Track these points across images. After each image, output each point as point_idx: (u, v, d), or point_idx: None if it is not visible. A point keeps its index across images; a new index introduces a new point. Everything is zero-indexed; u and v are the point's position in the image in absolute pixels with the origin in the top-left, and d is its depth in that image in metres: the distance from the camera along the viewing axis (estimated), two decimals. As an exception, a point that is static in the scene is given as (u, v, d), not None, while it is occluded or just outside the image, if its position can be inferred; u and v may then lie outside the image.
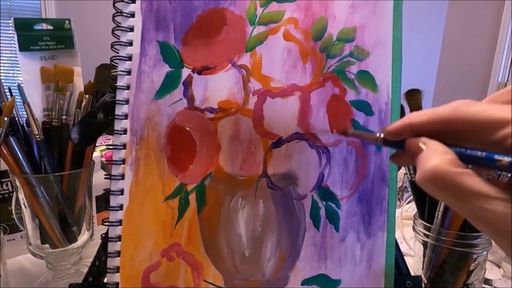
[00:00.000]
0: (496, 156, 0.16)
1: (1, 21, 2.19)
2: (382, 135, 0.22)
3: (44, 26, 0.42)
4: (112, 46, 0.31)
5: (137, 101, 0.31)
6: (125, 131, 0.31)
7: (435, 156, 0.17)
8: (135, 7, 0.31)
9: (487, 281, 0.46)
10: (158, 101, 0.31)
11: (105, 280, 0.32)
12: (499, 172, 0.34)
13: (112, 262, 0.31)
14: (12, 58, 2.34)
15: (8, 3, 2.30)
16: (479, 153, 0.16)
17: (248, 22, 0.32)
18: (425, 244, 0.39)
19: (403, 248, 0.52)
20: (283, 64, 0.32)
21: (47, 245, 0.41)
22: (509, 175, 0.18)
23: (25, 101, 0.37)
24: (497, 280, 0.46)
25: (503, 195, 0.15)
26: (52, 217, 0.39)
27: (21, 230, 0.48)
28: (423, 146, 0.18)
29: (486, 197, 0.15)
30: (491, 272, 0.48)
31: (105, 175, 0.31)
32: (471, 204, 0.15)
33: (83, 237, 0.43)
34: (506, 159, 0.15)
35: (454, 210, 0.17)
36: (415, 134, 0.19)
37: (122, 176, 0.31)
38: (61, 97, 0.39)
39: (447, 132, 0.18)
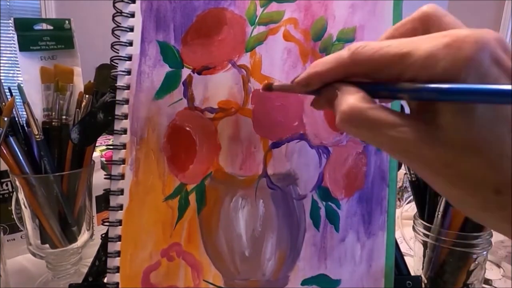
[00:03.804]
0: (397, 88, 0.16)
1: (1, 21, 2.19)
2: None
3: (44, 26, 0.42)
4: (112, 46, 0.31)
5: (137, 101, 0.31)
6: (125, 131, 0.31)
7: (348, 97, 0.17)
8: (135, 7, 0.31)
9: (487, 281, 0.46)
10: (158, 101, 0.31)
11: (105, 280, 0.32)
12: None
13: (112, 262, 0.31)
14: (12, 58, 2.34)
15: (8, 3, 2.30)
16: (382, 86, 0.17)
17: (248, 22, 0.32)
18: (425, 244, 0.39)
19: (403, 248, 0.52)
20: (283, 64, 0.32)
21: (47, 245, 0.41)
22: None
23: (25, 101, 0.37)
24: (497, 280, 0.46)
25: (410, 121, 0.16)
26: (52, 217, 0.39)
27: (21, 230, 0.48)
28: (337, 92, 0.18)
29: (395, 125, 0.16)
30: (491, 272, 0.48)
31: (105, 175, 0.31)
32: (385, 136, 0.16)
33: (83, 237, 0.43)
34: (404, 94, 0.16)
35: (393, 157, 0.18)
36: (323, 82, 0.20)
37: (122, 176, 0.31)
38: (61, 97, 0.39)
39: (352, 75, 0.19)
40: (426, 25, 0.18)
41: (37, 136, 0.37)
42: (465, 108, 0.15)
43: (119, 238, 0.31)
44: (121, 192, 0.31)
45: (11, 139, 0.36)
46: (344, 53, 0.18)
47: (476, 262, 0.37)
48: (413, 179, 0.39)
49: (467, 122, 0.15)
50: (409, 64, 0.16)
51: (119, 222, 0.31)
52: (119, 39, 0.31)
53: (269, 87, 0.26)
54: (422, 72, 0.15)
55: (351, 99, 0.17)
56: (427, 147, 0.15)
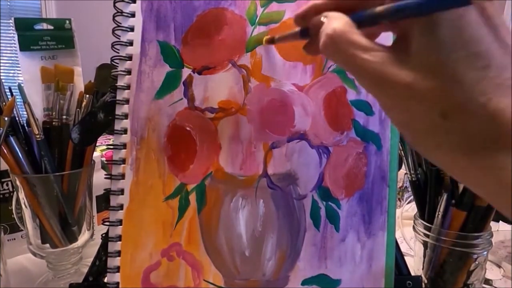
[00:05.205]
0: (376, 10, 0.17)
1: (2, 21, 2.19)
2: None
3: (45, 26, 0.42)
4: (112, 46, 0.31)
5: (138, 101, 0.31)
6: (125, 131, 0.31)
7: (334, 21, 0.19)
8: (135, 7, 0.31)
9: (487, 281, 0.46)
10: (158, 101, 0.31)
11: (105, 280, 0.32)
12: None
13: (112, 262, 0.31)
14: (12, 58, 2.34)
15: (9, 3, 2.31)
16: (363, 12, 0.18)
17: (249, 22, 0.32)
18: (425, 244, 0.39)
19: (403, 248, 0.52)
20: (283, 64, 0.32)
21: (48, 245, 0.41)
22: None
23: (25, 101, 0.37)
24: (497, 280, 0.46)
25: (384, 48, 0.17)
26: (53, 217, 0.40)
27: (22, 230, 0.48)
28: (324, 19, 0.19)
29: (370, 49, 0.17)
30: (491, 272, 0.48)
31: (105, 175, 0.31)
32: (358, 58, 0.17)
33: (83, 236, 0.43)
34: (381, 8, 0.17)
35: (348, 72, 0.19)
36: (318, 13, 0.21)
37: (123, 176, 0.31)
38: (62, 97, 0.40)
39: (346, 6, 0.20)
40: None
41: (38, 136, 0.37)
42: (430, 31, 0.16)
43: (119, 238, 0.31)
44: (121, 192, 0.31)
45: (12, 139, 0.36)
46: None
47: (477, 262, 0.37)
48: (414, 179, 0.39)
49: (430, 45, 0.16)
50: None
51: (120, 222, 0.31)
52: (119, 39, 0.31)
53: (271, 40, 0.27)
54: None
55: (336, 23, 0.18)
56: (394, 69, 0.17)
